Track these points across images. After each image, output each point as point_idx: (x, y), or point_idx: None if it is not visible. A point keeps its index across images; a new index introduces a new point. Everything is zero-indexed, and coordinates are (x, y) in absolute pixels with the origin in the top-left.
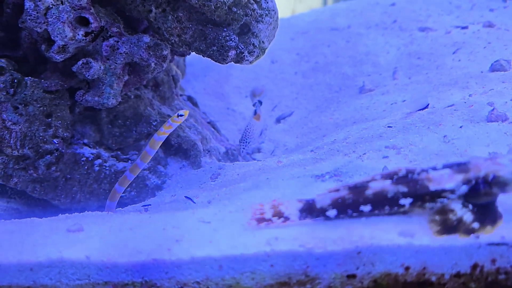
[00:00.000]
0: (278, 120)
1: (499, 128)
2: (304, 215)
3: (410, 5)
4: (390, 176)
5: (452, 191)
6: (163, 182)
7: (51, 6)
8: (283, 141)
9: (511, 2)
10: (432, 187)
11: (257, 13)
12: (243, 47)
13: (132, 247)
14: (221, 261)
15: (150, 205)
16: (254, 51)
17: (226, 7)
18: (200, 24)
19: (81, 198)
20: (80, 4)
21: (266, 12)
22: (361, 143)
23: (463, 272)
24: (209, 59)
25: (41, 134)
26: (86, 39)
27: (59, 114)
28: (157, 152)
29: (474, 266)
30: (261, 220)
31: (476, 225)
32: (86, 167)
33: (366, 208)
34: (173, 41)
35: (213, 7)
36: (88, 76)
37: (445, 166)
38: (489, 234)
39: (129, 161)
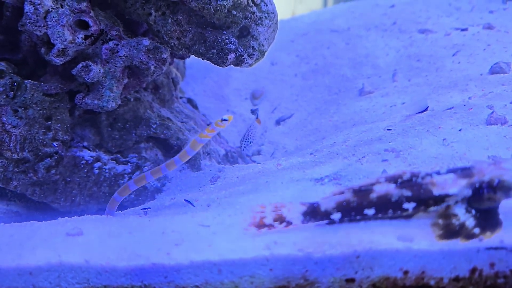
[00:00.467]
0: (277, 122)
1: (499, 131)
2: (307, 219)
3: (410, 7)
4: (394, 179)
5: (455, 196)
6: (162, 185)
7: (50, 9)
8: (283, 143)
9: (511, 4)
10: (436, 191)
11: (256, 16)
12: (242, 50)
13: (131, 251)
14: (220, 265)
15: (149, 208)
16: (254, 54)
17: (226, 10)
18: (199, 27)
19: (80, 201)
20: (80, 8)
21: (266, 15)
22: (360, 146)
23: (462, 276)
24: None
25: (40, 137)
26: (85, 42)
27: (58, 117)
28: (156, 155)
29: (473, 270)
30: (261, 225)
31: (477, 230)
32: (85, 170)
33: (370, 211)
34: (172, 44)
35: (212, 10)
36: (88, 79)
37: (449, 171)
38: (488, 240)
39: (129, 164)
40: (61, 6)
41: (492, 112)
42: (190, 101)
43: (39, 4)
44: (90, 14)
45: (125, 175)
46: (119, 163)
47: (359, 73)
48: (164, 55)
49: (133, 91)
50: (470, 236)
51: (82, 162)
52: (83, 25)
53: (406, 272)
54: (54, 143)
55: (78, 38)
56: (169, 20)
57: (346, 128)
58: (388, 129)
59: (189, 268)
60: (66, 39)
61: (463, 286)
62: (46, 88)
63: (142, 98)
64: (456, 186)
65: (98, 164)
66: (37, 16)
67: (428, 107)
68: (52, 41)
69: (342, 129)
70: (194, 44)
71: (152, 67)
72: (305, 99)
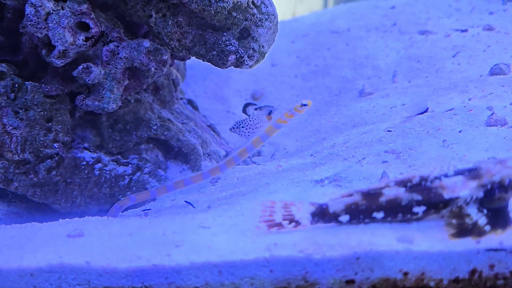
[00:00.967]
0: None
1: (498, 133)
2: (316, 219)
3: (410, 8)
4: (403, 183)
5: (466, 198)
6: None
7: (51, 11)
8: (283, 144)
9: (511, 5)
10: (447, 195)
11: (257, 17)
12: (242, 51)
13: (132, 253)
14: (221, 267)
15: (150, 209)
16: (254, 56)
17: (226, 12)
18: (200, 28)
19: (81, 202)
20: (81, 10)
21: (266, 16)
22: (360, 147)
23: (462, 278)
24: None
25: (41, 138)
26: (86, 44)
27: (59, 118)
28: (156, 156)
29: (473, 272)
30: (271, 224)
31: (488, 228)
32: (86, 171)
33: (379, 215)
34: (173, 45)
35: (213, 11)
36: (89, 80)
37: (457, 173)
38: (499, 236)
39: (129, 165)
40: (62, 8)
41: (492, 113)
42: (190, 102)
43: (40, 6)
44: (91, 16)
45: (126, 176)
46: (119, 164)
47: (359, 74)
48: (165, 57)
49: (134, 93)
50: (481, 233)
51: (82, 163)
52: (84, 27)
53: (406, 274)
54: (54, 144)
55: (79, 40)
56: (170, 22)
57: (346, 129)
58: (388, 131)
59: (189, 270)
60: (67, 41)
61: (462, 287)
62: (46, 89)
63: (143, 99)
64: (466, 188)
65: (99, 165)
66: (38, 18)
67: (428, 108)
68: (53, 43)
69: (342, 130)
70: (194, 46)
71: (153, 69)
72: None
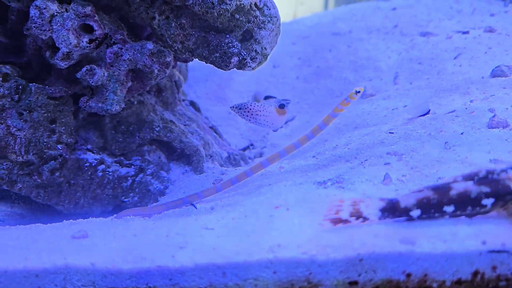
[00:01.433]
0: None
1: (500, 135)
2: (385, 215)
3: (411, 10)
4: (471, 177)
5: None
6: (165, 188)
7: (55, 13)
8: (285, 145)
9: None
10: None
11: (259, 19)
12: (245, 53)
13: (136, 254)
14: (225, 268)
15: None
16: (257, 58)
17: (229, 14)
18: (203, 31)
19: (84, 203)
20: (85, 12)
21: (269, 18)
22: (362, 149)
23: (464, 279)
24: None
25: (45, 140)
26: (90, 46)
27: (63, 120)
28: (159, 157)
29: (475, 273)
30: (337, 220)
31: None
32: (89, 173)
33: (450, 208)
34: (176, 47)
35: (216, 14)
36: (92, 82)
37: None
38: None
39: (132, 167)
40: (66, 10)
41: (494, 115)
42: (192, 103)
43: (44, 9)
44: (95, 18)
45: (129, 178)
46: (122, 166)
47: (360, 76)
48: (168, 59)
49: (137, 94)
50: None
51: (86, 164)
52: (88, 29)
53: (409, 275)
54: (58, 145)
55: (82, 42)
56: (173, 24)
57: (348, 131)
58: (390, 132)
59: (193, 271)
60: (71, 43)
61: None
62: (50, 91)
63: (146, 101)
64: None
65: (102, 166)
66: (42, 20)
67: (429, 110)
68: (57, 45)
69: (344, 132)
70: (197, 48)
71: (156, 71)
72: (307, 102)
